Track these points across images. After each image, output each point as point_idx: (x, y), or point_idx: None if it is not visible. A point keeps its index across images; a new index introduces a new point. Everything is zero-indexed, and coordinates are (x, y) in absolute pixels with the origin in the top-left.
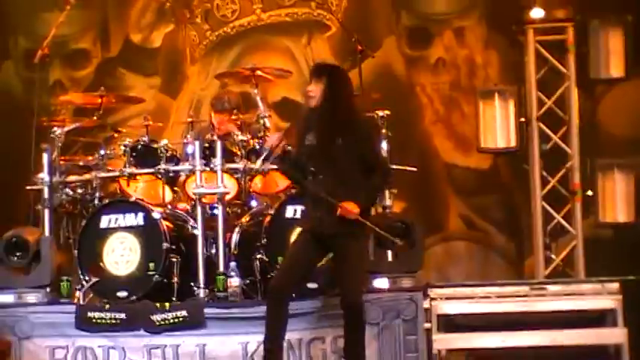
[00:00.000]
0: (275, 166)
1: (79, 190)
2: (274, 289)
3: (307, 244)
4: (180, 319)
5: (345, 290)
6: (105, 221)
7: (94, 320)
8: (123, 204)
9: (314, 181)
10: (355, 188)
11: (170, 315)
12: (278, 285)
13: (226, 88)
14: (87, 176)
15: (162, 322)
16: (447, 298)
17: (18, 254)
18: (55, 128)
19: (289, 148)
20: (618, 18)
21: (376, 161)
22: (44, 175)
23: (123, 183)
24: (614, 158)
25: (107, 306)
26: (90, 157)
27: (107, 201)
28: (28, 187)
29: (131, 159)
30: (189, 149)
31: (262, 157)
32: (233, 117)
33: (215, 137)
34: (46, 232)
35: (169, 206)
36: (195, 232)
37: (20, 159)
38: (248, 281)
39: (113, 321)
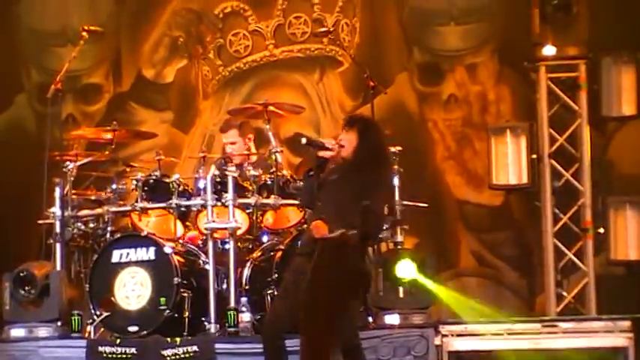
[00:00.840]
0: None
1: (91, 225)
2: (268, 327)
3: (300, 282)
4: (191, 354)
5: (339, 333)
6: (116, 256)
7: (104, 355)
8: (134, 238)
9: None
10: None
11: (181, 350)
12: (272, 323)
13: None
14: (99, 210)
15: (173, 357)
16: (458, 335)
17: (26, 288)
18: (67, 162)
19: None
20: (630, 56)
21: (372, 212)
22: (56, 209)
23: (135, 217)
24: (625, 195)
25: (118, 340)
26: (102, 192)
27: (119, 235)
28: (40, 221)
29: (143, 193)
30: (201, 184)
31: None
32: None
33: (229, 169)
34: (58, 266)
35: (181, 241)
36: (207, 267)
37: (32, 193)
38: (259, 316)
39: (124, 356)
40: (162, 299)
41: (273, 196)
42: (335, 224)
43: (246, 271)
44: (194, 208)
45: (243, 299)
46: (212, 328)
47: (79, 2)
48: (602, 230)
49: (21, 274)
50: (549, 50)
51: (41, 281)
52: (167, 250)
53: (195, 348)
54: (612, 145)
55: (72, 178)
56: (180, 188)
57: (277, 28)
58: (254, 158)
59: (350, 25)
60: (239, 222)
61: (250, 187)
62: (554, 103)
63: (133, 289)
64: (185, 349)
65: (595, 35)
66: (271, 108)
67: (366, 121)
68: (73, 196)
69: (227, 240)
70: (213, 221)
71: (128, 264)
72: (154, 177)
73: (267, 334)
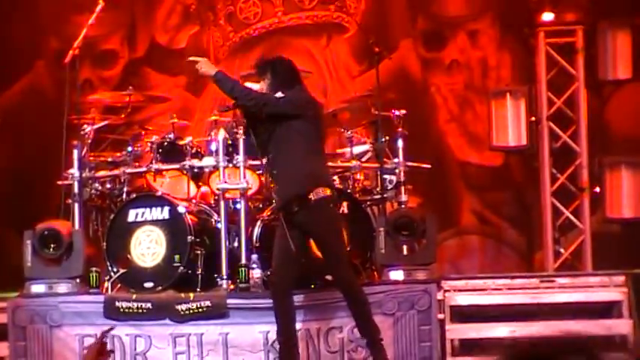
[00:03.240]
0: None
1: (108, 185)
2: (274, 284)
3: (284, 236)
4: (204, 308)
5: (329, 269)
6: (132, 215)
7: (121, 310)
8: (149, 198)
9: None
10: (292, 158)
11: (194, 305)
12: (276, 279)
13: None
14: (115, 172)
15: (187, 312)
16: (459, 290)
17: (52, 246)
18: (85, 126)
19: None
20: (626, 21)
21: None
22: (74, 171)
23: (149, 178)
24: (621, 156)
25: (134, 296)
26: (118, 154)
27: (134, 195)
28: (59, 182)
29: (157, 155)
30: (213, 146)
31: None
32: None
33: (240, 133)
34: (76, 225)
35: (194, 201)
36: (219, 225)
37: (51, 155)
38: (269, 273)
39: (140, 310)
40: (177, 257)
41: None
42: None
43: (257, 230)
44: (206, 169)
45: (254, 256)
46: (224, 284)
47: None
48: (598, 189)
49: (46, 232)
50: (548, 16)
51: (67, 239)
52: (181, 209)
53: (208, 303)
54: (608, 107)
55: (89, 141)
56: (193, 150)
57: None
58: None
59: None
60: (250, 182)
61: None
62: (553, 67)
63: (148, 247)
64: (198, 304)
65: (592, 1)
66: None
67: (272, 61)
68: (91, 158)
69: (238, 200)
70: (225, 182)
71: (143, 223)
72: (168, 139)
73: (275, 292)
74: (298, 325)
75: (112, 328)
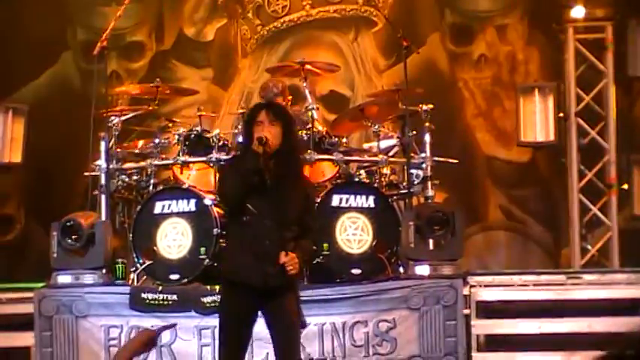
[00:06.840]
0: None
1: (134, 177)
2: None
3: (239, 319)
4: None
5: (281, 352)
6: (159, 207)
7: (147, 301)
8: (176, 191)
9: (254, 223)
10: (292, 240)
11: (220, 297)
12: None
13: (271, 78)
14: (142, 163)
15: (213, 304)
16: (485, 286)
17: (73, 237)
18: (112, 117)
19: None
20: None
21: (311, 223)
22: (101, 162)
23: (176, 170)
24: None
25: (160, 288)
26: (145, 146)
27: (161, 187)
28: (86, 174)
29: (184, 148)
30: (240, 139)
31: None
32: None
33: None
34: (103, 217)
35: None
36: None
37: (77, 147)
38: None
39: (165, 302)
40: (202, 249)
41: (309, 151)
42: (278, 239)
43: None
44: None
45: None
46: None
47: None
48: (626, 186)
49: (68, 224)
50: (578, 12)
51: (87, 231)
52: (207, 201)
53: None
54: (637, 104)
55: (116, 133)
56: (220, 143)
57: None
58: None
59: None
60: None
61: None
62: (581, 63)
63: (174, 239)
64: None
65: None
66: (308, 66)
67: (288, 115)
68: (118, 150)
69: None
70: None
71: (170, 215)
72: (195, 132)
73: None
74: (324, 319)
75: (174, 325)
